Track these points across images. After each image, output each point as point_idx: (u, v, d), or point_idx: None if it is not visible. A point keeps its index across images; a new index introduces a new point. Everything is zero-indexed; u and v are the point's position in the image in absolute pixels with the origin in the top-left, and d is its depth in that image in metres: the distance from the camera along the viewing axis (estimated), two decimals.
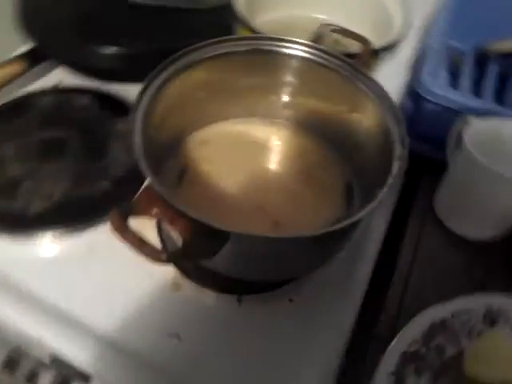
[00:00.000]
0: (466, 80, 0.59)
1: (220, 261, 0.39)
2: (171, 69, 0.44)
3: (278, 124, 0.53)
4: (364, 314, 0.45)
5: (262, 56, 0.48)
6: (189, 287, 0.45)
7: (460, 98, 0.49)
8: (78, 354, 0.41)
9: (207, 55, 0.46)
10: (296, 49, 0.47)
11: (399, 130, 0.40)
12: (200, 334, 0.43)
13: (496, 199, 0.44)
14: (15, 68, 0.55)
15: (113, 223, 0.33)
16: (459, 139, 0.46)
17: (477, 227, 0.47)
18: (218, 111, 0.51)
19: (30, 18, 0.58)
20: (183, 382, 0.40)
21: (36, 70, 0.60)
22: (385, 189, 0.37)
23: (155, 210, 0.35)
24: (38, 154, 0.51)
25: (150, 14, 0.61)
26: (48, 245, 0.46)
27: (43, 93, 0.57)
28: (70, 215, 0.47)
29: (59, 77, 0.61)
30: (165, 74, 0.43)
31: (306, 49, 0.47)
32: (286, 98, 0.51)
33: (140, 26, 0.60)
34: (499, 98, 0.57)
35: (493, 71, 0.60)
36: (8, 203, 0.47)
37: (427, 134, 0.51)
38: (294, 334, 0.43)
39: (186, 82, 0.46)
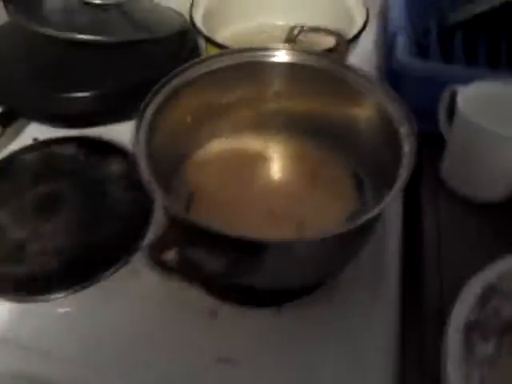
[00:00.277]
0: (436, 51, 0.60)
1: (259, 275, 0.38)
2: (159, 97, 0.43)
3: (273, 132, 0.53)
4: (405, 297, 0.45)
5: (246, 68, 0.48)
6: (225, 311, 0.44)
7: (440, 66, 0.50)
8: None
9: (192, 76, 0.45)
10: (278, 55, 0.47)
11: (400, 110, 0.41)
12: (247, 353, 0.41)
13: (498, 160, 0.45)
14: None
15: (152, 258, 0.32)
16: (449, 108, 0.47)
17: (488, 190, 0.47)
18: (212, 130, 0.51)
19: None
20: None
21: (9, 130, 0.58)
22: (404, 169, 0.37)
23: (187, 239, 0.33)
24: (37, 213, 0.49)
25: (110, 52, 0.60)
26: (69, 300, 0.44)
27: (25, 150, 0.55)
28: (86, 267, 0.45)
29: (34, 133, 0.58)
30: (155, 102, 0.43)
31: (288, 53, 0.47)
32: (276, 105, 0.51)
33: (103, 66, 0.59)
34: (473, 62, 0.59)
35: (459, 38, 0.62)
36: (16, 268, 0.45)
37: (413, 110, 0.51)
38: (340, 333, 0.43)
39: (176, 108, 0.45)
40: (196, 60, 0.46)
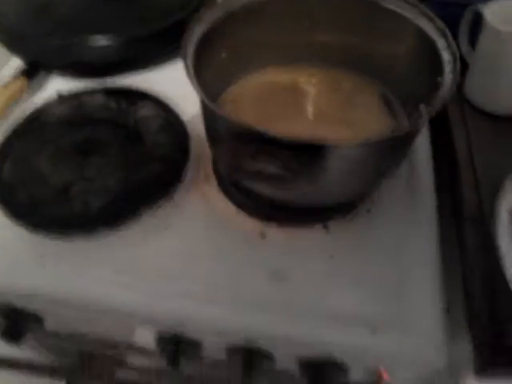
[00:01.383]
0: None
1: (308, 186, 0.40)
2: (196, 32, 0.43)
3: (307, 65, 0.53)
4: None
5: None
6: (273, 232, 0.45)
7: None
8: None
9: (227, 10, 0.46)
10: None
11: (437, 28, 0.42)
12: (300, 271, 0.43)
13: None
14: (17, 86, 0.53)
15: None
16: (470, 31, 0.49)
17: None
18: (246, 65, 0.51)
19: (14, 38, 0.55)
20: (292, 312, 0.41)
21: (33, 84, 0.58)
22: (444, 87, 0.38)
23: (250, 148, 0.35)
24: (75, 159, 0.50)
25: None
26: (130, 229, 0.46)
27: (54, 103, 0.55)
28: (134, 201, 0.46)
29: (57, 86, 0.58)
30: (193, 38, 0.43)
31: None
32: (310, 37, 0.51)
33: (124, 13, 0.59)
34: None
35: None
36: (65, 208, 0.46)
37: None
38: (384, 245, 0.45)
39: (211, 43, 0.45)
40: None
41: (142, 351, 0.53)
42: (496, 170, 0.44)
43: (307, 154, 0.34)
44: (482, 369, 0.37)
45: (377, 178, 0.43)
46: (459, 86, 0.52)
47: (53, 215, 0.45)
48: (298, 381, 0.45)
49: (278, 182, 0.39)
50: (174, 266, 0.43)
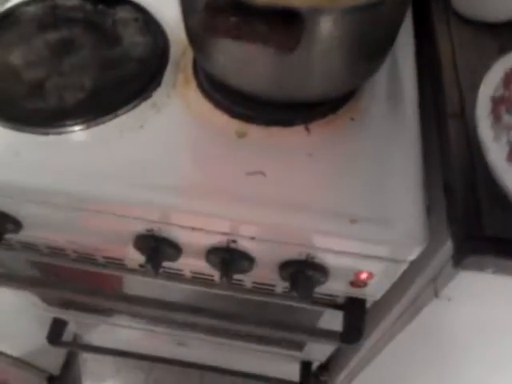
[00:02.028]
0: None
1: (291, 75, 0.39)
2: None
3: None
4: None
5: None
6: (254, 131, 0.45)
7: None
8: None
9: None
10: None
11: None
12: (279, 168, 0.43)
13: None
14: None
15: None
16: None
17: (493, 10, 0.49)
18: None
19: None
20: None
21: None
22: None
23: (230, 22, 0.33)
24: (51, 55, 0.48)
25: None
26: (105, 126, 0.44)
27: (27, 2, 0.52)
28: (110, 99, 0.45)
29: None
30: None
31: None
32: None
33: None
34: None
35: None
36: (40, 102, 0.44)
37: None
38: (366, 147, 0.44)
39: None
40: None
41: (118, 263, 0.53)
42: (477, 71, 0.43)
43: (284, 22, 0.33)
44: (460, 259, 0.37)
45: (358, 68, 0.42)
46: None
47: (27, 109, 0.44)
48: None
49: (259, 61, 0.38)
50: (149, 161, 0.42)
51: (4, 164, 0.42)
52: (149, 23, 0.51)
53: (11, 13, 0.51)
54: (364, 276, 0.44)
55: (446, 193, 0.40)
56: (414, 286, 0.50)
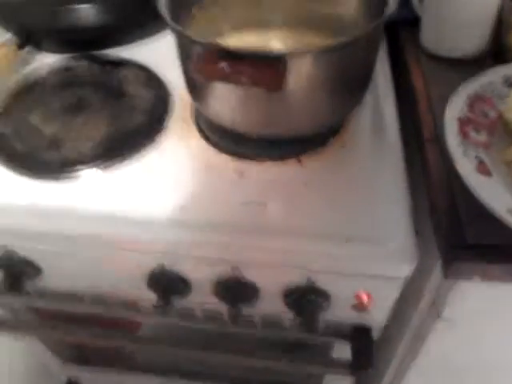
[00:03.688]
0: None
1: (280, 113, 0.44)
2: None
3: (274, 29, 0.58)
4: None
5: None
6: (251, 167, 0.49)
7: None
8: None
9: None
10: None
11: None
12: (278, 198, 0.46)
13: (467, 11, 0.51)
14: (5, 54, 0.58)
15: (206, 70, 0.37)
16: None
17: (460, 47, 0.54)
18: (216, 27, 0.56)
19: (5, 9, 0.60)
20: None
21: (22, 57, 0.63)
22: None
23: (222, 65, 0.38)
24: (65, 113, 0.54)
25: None
26: (114, 171, 0.49)
27: (40, 68, 0.60)
28: (119, 147, 0.50)
29: (45, 61, 0.63)
30: None
31: None
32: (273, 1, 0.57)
33: None
34: None
35: None
36: (55, 153, 0.49)
37: None
38: (356, 173, 0.48)
39: None
40: None
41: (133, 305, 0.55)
42: (447, 98, 0.48)
43: (268, 65, 0.38)
44: (447, 268, 0.39)
45: (341, 102, 0.47)
46: (415, 37, 0.57)
47: (43, 160, 0.49)
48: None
49: (249, 103, 0.43)
50: (156, 200, 0.46)
51: (21, 210, 0.46)
52: (151, 79, 0.57)
53: (32, 79, 0.58)
54: (364, 298, 0.46)
55: (430, 209, 0.43)
56: (417, 312, 0.52)
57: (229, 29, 0.57)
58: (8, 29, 0.62)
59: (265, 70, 0.38)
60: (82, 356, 0.76)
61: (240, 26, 0.57)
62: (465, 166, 0.38)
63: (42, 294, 0.55)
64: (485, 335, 0.49)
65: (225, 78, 0.38)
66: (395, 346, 0.59)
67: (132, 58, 0.61)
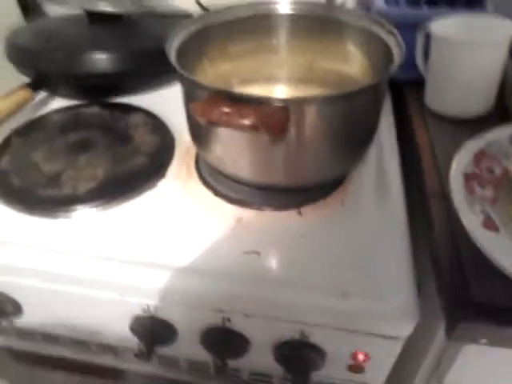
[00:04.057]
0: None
1: (282, 162, 0.44)
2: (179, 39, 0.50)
3: (279, 84, 0.60)
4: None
5: (251, 20, 0.56)
6: (250, 215, 0.48)
7: (413, 10, 0.59)
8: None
9: (204, 25, 0.53)
10: (279, 8, 0.56)
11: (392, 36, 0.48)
12: (273, 248, 0.45)
13: (470, 71, 0.52)
14: (22, 95, 0.59)
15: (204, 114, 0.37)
16: (424, 50, 0.56)
17: (464, 107, 0.55)
18: (225, 78, 0.57)
19: (23, 55, 0.63)
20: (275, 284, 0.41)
21: (37, 101, 0.65)
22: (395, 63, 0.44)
23: (223, 110, 0.38)
24: (69, 152, 0.54)
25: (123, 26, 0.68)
26: (112, 212, 0.48)
27: (54, 112, 0.60)
28: (119, 188, 0.49)
29: (58, 105, 0.65)
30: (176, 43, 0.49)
31: (288, 4, 0.55)
32: (280, 58, 0.59)
33: (119, 38, 0.66)
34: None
35: None
36: (54, 191, 0.49)
37: None
38: (354, 233, 0.46)
39: (192, 51, 0.52)
40: (206, 13, 0.54)
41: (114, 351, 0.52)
42: (451, 155, 0.47)
43: (271, 111, 0.38)
44: (451, 329, 0.37)
45: (344, 154, 0.47)
46: (420, 95, 0.58)
47: (42, 197, 0.48)
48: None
49: (251, 151, 0.42)
50: (152, 243, 0.45)
51: (11, 246, 0.45)
52: (157, 126, 0.57)
53: (40, 119, 0.59)
54: (361, 357, 0.43)
55: (433, 265, 0.41)
56: (418, 378, 0.48)
57: (237, 82, 0.58)
58: (24, 72, 0.64)
59: (268, 115, 0.38)
60: None
61: (248, 80, 0.59)
62: (471, 221, 0.36)
63: (20, 333, 0.53)
64: None
65: (227, 122, 0.38)
66: None
67: (141, 105, 0.62)
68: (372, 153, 0.55)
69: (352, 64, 0.56)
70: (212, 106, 0.39)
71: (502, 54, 0.52)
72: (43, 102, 0.65)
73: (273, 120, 0.39)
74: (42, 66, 0.60)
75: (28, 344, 0.55)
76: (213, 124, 0.40)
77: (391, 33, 0.48)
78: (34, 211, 0.47)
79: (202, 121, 0.39)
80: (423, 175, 0.48)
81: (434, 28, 0.53)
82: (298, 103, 0.40)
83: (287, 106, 0.39)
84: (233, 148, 0.45)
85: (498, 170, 0.42)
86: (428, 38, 0.55)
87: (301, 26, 0.57)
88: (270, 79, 0.61)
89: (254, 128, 0.38)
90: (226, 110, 0.38)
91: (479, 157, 0.42)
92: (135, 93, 0.66)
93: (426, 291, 0.43)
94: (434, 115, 0.56)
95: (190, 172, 0.53)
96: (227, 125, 0.39)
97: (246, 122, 0.37)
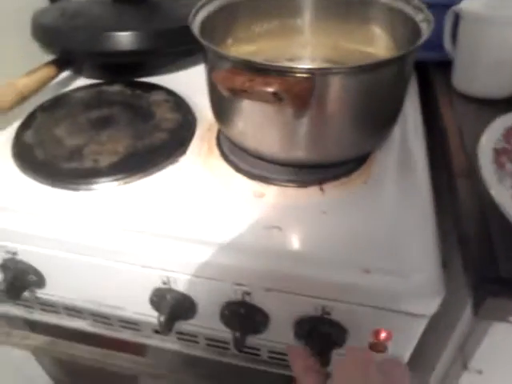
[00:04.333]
0: None
1: (304, 137, 0.43)
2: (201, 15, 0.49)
3: (302, 64, 0.59)
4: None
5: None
6: (271, 191, 0.47)
7: None
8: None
9: (229, 2, 0.53)
10: None
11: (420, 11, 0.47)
12: (295, 223, 0.44)
13: (501, 50, 0.50)
14: (47, 72, 0.59)
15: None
16: (452, 32, 0.55)
17: (492, 88, 0.53)
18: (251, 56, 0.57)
19: (49, 33, 0.63)
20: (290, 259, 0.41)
21: (60, 80, 0.65)
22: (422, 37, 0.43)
23: (244, 78, 0.38)
24: (92, 128, 0.54)
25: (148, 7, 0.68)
26: (134, 185, 0.48)
27: (77, 89, 0.61)
28: (139, 162, 0.49)
29: (81, 84, 0.65)
30: (198, 19, 0.48)
31: None
32: (304, 37, 0.58)
33: (137, 17, 0.66)
34: None
35: None
36: (77, 164, 0.49)
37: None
38: (377, 210, 0.45)
39: (216, 28, 0.51)
40: None
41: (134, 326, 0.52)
42: (479, 135, 0.46)
43: (295, 81, 0.38)
44: (478, 305, 0.36)
45: (367, 131, 0.46)
46: (447, 77, 0.57)
47: (64, 170, 0.48)
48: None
49: (274, 125, 0.42)
50: (172, 217, 0.45)
51: (34, 217, 0.45)
52: (179, 104, 0.57)
53: (64, 96, 0.60)
54: (383, 336, 0.42)
55: (460, 243, 0.40)
56: (442, 360, 0.47)
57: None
58: (49, 51, 0.65)
59: (292, 84, 0.38)
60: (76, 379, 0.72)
61: (271, 61, 0.58)
62: (501, 194, 0.35)
63: (42, 305, 0.53)
64: None
65: (250, 89, 0.38)
66: None
67: (163, 85, 0.62)
68: (397, 132, 0.54)
69: (377, 45, 0.55)
70: (235, 74, 0.38)
71: None
72: (67, 80, 0.66)
73: (297, 89, 0.38)
74: (67, 44, 0.61)
75: (50, 316, 0.55)
76: (235, 93, 0.39)
77: (418, 8, 0.47)
78: (57, 183, 0.47)
79: (224, 89, 0.39)
80: (450, 154, 0.47)
81: (464, 6, 0.52)
82: (323, 73, 0.39)
83: (312, 75, 0.38)
84: (255, 122, 0.45)
85: None
86: (457, 18, 0.54)
87: (325, 5, 0.57)
88: (293, 60, 0.60)
89: (277, 97, 0.38)
90: (250, 77, 0.37)
91: (510, 133, 0.41)
92: (157, 73, 0.66)
93: (453, 268, 0.42)
94: (461, 96, 0.55)
95: (211, 149, 0.53)
96: (250, 92, 0.38)
97: (270, 89, 0.37)
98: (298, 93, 0.38)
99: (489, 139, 0.40)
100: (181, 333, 0.51)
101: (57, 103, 0.58)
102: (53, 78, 0.60)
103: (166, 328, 0.45)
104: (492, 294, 0.35)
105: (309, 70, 0.39)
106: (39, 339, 0.54)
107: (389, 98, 0.45)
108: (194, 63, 0.68)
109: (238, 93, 0.39)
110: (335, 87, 0.40)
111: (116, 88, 0.61)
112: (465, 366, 0.44)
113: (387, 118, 0.47)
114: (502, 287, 0.35)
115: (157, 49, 0.62)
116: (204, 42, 0.42)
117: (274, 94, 0.37)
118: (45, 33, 0.63)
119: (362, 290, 0.40)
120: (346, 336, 0.43)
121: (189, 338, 0.51)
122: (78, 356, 0.53)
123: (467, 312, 0.40)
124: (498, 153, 0.39)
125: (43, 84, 0.59)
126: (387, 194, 0.47)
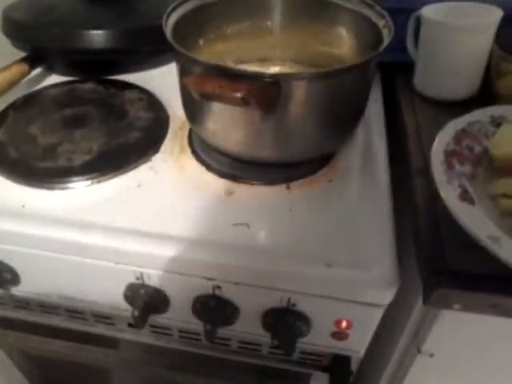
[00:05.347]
0: None
1: (271, 137, 0.45)
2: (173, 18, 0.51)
3: (272, 65, 0.61)
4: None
5: (250, 1, 0.57)
6: (240, 189, 0.49)
7: None
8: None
9: (199, 4, 0.54)
10: None
11: (382, 18, 0.50)
12: (262, 220, 0.46)
13: (458, 54, 0.53)
14: (18, 69, 0.60)
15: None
16: (415, 35, 0.58)
17: (450, 90, 0.56)
18: (214, 59, 0.58)
19: (20, 30, 0.63)
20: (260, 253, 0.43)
21: (33, 77, 0.65)
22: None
23: (216, 83, 0.40)
24: (65, 127, 0.55)
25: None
26: (106, 184, 0.50)
27: (50, 86, 0.61)
28: (112, 161, 0.51)
29: (54, 81, 0.65)
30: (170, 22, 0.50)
31: None
32: (273, 39, 0.60)
33: (110, 14, 0.67)
34: None
35: None
36: (50, 163, 0.50)
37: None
38: (340, 207, 0.48)
39: (188, 30, 0.53)
40: None
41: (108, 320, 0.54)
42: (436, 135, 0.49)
43: (262, 86, 0.40)
44: (427, 295, 0.39)
45: (332, 131, 0.48)
46: (409, 78, 0.60)
47: (38, 168, 0.49)
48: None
49: (242, 125, 0.44)
50: (144, 214, 0.46)
51: (9, 215, 0.46)
52: (152, 102, 0.59)
53: (36, 94, 0.60)
54: (344, 324, 0.46)
55: (414, 237, 0.43)
56: (398, 345, 0.51)
57: (232, 63, 0.60)
58: (20, 47, 0.65)
59: (259, 89, 0.40)
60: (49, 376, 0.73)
61: (243, 61, 0.60)
62: (448, 193, 0.38)
63: (16, 302, 0.54)
64: (466, 368, 0.48)
65: (220, 94, 0.40)
66: (378, 378, 0.57)
67: (136, 83, 0.63)
68: (360, 132, 0.57)
69: (343, 46, 0.58)
70: (206, 80, 0.40)
71: (489, 38, 0.53)
72: (40, 77, 0.66)
73: (263, 94, 0.40)
74: (39, 41, 0.61)
75: (24, 313, 0.56)
76: (206, 97, 0.41)
77: (381, 14, 0.49)
78: (31, 182, 0.48)
79: (196, 93, 0.41)
80: (408, 154, 0.50)
81: (425, 12, 0.55)
82: (288, 78, 0.41)
83: (277, 81, 0.40)
84: (225, 123, 0.47)
85: (477, 149, 0.44)
86: (418, 22, 0.57)
87: (294, 8, 0.59)
88: (264, 60, 0.62)
89: (245, 101, 0.40)
90: (220, 83, 0.39)
91: (460, 136, 0.44)
92: (130, 71, 0.67)
93: (409, 263, 0.45)
94: (422, 97, 0.58)
95: (183, 147, 0.55)
96: (220, 97, 0.40)
97: (238, 94, 0.39)
98: (265, 97, 0.40)
99: (440, 141, 0.43)
100: (154, 326, 0.53)
101: (29, 101, 0.59)
102: (25, 75, 0.61)
103: (140, 322, 0.47)
104: (439, 285, 0.38)
105: (275, 76, 0.41)
106: (11, 336, 0.54)
107: (351, 101, 0.48)
108: (168, 61, 0.69)
109: (209, 97, 0.41)
110: (300, 91, 0.42)
111: (89, 86, 0.62)
112: (418, 350, 0.47)
113: (350, 119, 0.50)
114: (449, 278, 0.38)
115: (130, 47, 0.63)
116: (176, 46, 0.44)
117: (242, 98, 0.39)
118: (16, 29, 0.63)
119: (324, 283, 0.42)
120: (311, 325, 0.46)
121: (162, 330, 0.54)
122: (51, 350, 0.54)
123: (419, 301, 0.44)
124: (448, 154, 0.42)
125: (14, 82, 0.59)
126: (349, 192, 0.50)
